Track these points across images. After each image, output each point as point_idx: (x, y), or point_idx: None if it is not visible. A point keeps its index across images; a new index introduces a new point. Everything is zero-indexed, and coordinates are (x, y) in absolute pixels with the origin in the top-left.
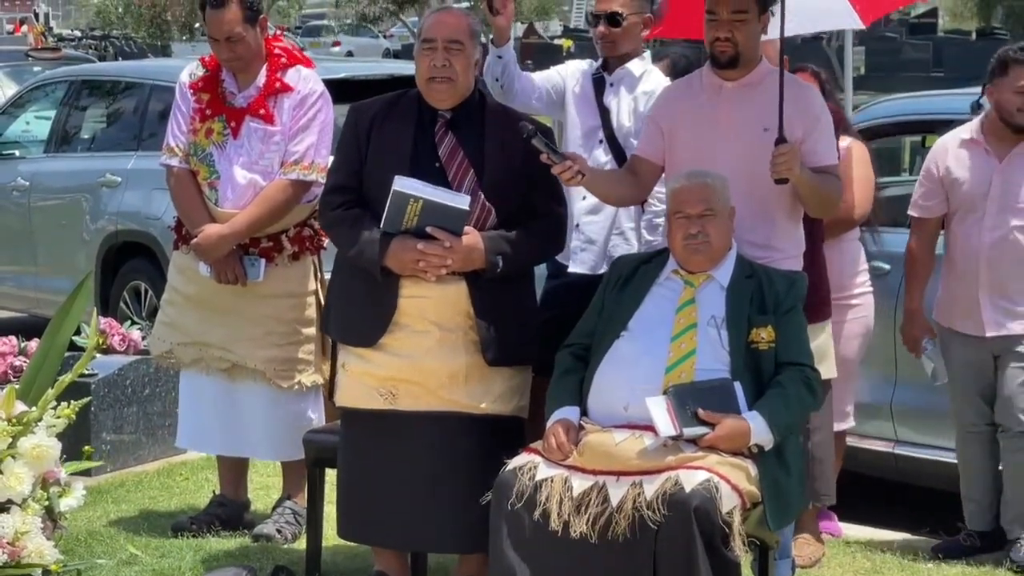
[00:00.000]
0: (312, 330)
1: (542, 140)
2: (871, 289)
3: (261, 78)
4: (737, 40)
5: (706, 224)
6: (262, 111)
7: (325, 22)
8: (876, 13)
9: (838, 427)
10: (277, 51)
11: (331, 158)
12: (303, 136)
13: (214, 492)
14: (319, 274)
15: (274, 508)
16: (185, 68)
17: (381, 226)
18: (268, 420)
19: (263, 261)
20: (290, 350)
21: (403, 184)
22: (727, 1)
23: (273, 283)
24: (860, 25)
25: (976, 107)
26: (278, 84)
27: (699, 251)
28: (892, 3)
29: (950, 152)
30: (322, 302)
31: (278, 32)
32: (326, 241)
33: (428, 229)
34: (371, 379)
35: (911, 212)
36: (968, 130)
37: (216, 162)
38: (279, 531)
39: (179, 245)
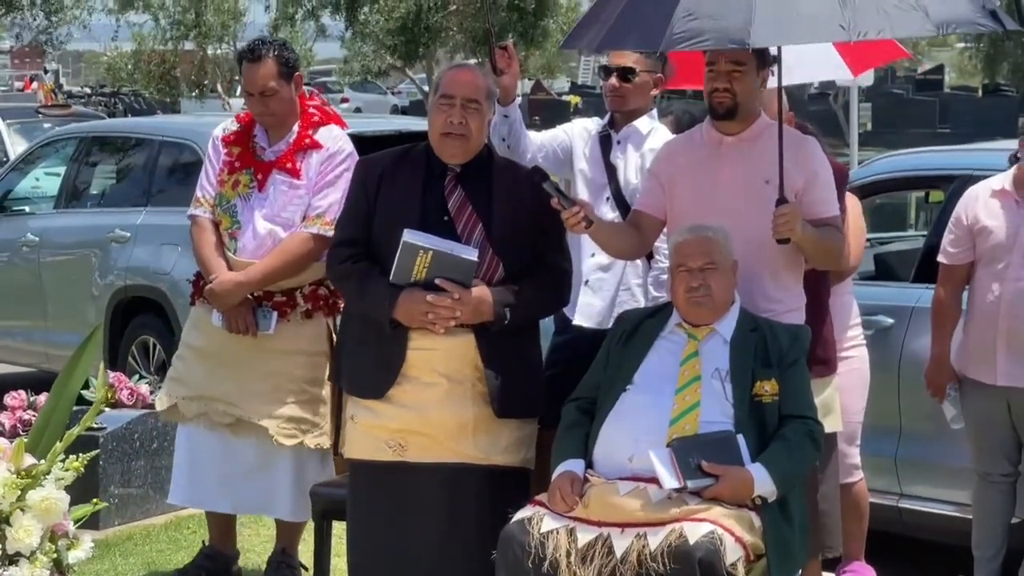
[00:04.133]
0: (322, 391)
1: (552, 185)
2: (864, 342)
3: (292, 135)
4: (735, 91)
5: (708, 277)
6: (289, 165)
7: (332, 78)
8: (865, 65)
9: (845, 480)
10: (311, 109)
11: None
12: (328, 192)
13: (203, 543)
14: (334, 336)
15: (268, 561)
16: (219, 124)
17: (390, 278)
18: (266, 478)
19: (275, 314)
20: (296, 409)
21: (412, 236)
22: (725, 53)
23: (284, 339)
24: (850, 76)
25: (1014, 159)
26: (308, 140)
27: (701, 304)
28: (880, 57)
29: (980, 200)
30: None
31: (313, 91)
32: (342, 304)
33: (437, 281)
34: (380, 431)
35: (939, 259)
36: (1001, 180)
37: (239, 212)
38: None
39: (195, 300)
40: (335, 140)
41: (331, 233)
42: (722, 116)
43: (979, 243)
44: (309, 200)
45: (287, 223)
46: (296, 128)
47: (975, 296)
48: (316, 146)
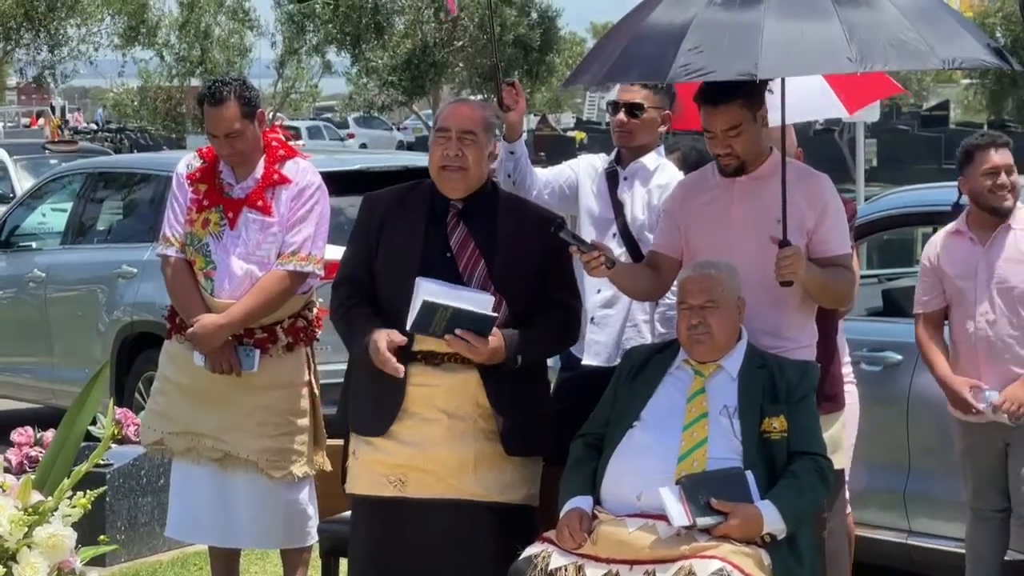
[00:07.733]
0: (305, 421)
1: (569, 232)
2: (854, 379)
3: (259, 170)
4: (737, 152)
5: (707, 315)
6: (260, 202)
7: (335, 113)
8: (860, 103)
9: None
10: (274, 143)
11: (327, 248)
12: (301, 227)
13: None
14: (312, 365)
15: None
16: (182, 159)
17: (407, 328)
18: (260, 509)
19: (258, 352)
20: (283, 440)
21: (429, 292)
22: (719, 120)
23: (267, 374)
24: (846, 114)
25: (956, 206)
26: (276, 176)
27: (700, 342)
28: (875, 93)
29: (939, 245)
30: (315, 393)
31: (277, 124)
32: (319, 332)
33: (457, 331)
34: (381, 467)
35: (915, 309)
36: (956, 223)
37: (212, 252)
38: None
39: (171, 335)
40: (303, 174)
41: (308, 268)
42: (733, 175)
43: (947, 286)
44: (283, 237)
45: (263, 261)
46: (262, 163)
47: (954, 337)
48: (285, 181)
